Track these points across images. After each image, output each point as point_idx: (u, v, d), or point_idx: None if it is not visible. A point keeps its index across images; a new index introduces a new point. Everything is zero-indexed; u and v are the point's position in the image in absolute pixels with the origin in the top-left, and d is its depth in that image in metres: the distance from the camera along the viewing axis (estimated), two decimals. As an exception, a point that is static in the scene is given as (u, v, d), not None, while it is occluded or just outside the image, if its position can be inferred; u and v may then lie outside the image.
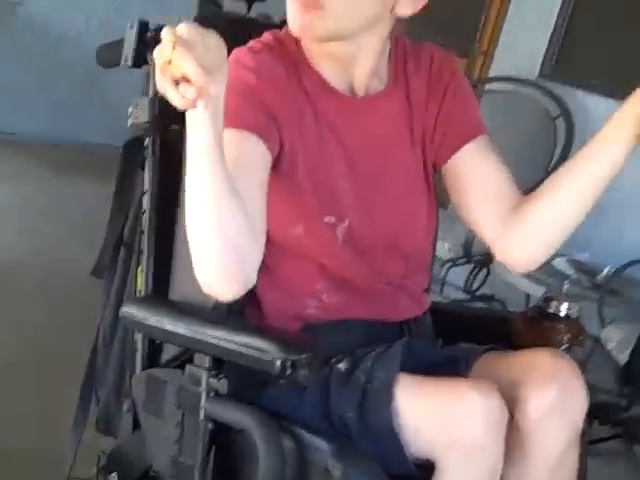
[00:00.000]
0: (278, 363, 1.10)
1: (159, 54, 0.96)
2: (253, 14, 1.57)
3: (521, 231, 1.27)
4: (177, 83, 0.96)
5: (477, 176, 1.30)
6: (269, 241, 1.24)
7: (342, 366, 1.23)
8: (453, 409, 1.13)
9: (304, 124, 1.24)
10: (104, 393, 1.45)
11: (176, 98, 0.96)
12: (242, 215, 1.09)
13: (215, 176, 1.06)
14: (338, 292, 1.31)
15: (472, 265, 2.81)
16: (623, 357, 2.34)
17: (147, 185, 1.45)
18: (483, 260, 2.66)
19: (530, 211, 1.25)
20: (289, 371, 1.10)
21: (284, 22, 1.27)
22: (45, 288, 2.93)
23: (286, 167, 1.23)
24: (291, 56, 1.26)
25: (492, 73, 3.76)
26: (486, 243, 1.33)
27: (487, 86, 3.58)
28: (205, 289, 1.12)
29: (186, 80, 0.95)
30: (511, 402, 1.17)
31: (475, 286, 2.79)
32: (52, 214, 3.68)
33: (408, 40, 1.36)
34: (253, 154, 1.16)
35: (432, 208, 1.37)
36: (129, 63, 1.46)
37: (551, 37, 3.61)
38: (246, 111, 1.18)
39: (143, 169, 1.47)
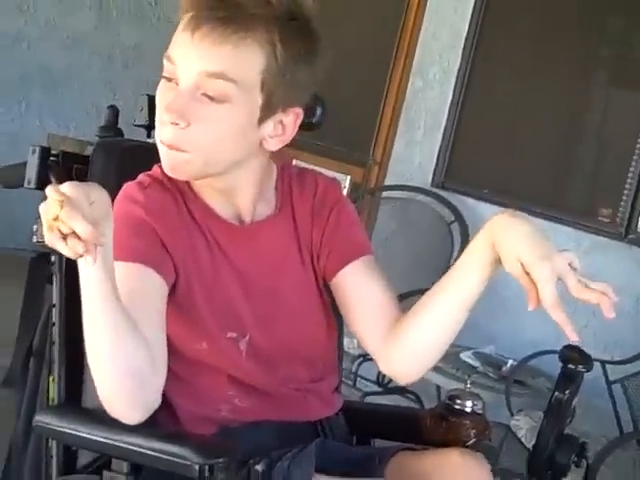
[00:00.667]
0: (197, 467, 1.12)
1: (45, 212, 1.00)
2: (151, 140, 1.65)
3: (397, 350, 1.31)
4: (64, 237, 1.00)
5: (359, 293, 1.35)
6: (177, 354, 1.28)
7: (259, 467, 1.24)
8: None
9: (197, 252, 1.29)
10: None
11: (66, 251, 1.01)
12: (139, 346, 1.13)
13: (109, 310, 1.10)
14: (249, 397, 1.34)
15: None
16: (533, 444, 2.42)
17: (55, 299, 1.47)
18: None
19: (404, 334, 1.30)
20: (207, 475, 1.11)
21: None
22: None
23: (183, 293, 1.27)
24: (179, 188, 1.31)
25: (387, 182, 3.94)
26: (371, 356, 1.38)
27: (384, 194, 3.75)
28: (109, 412, 1.16)
29: (75, 235, 0.99)
30: None
31: (387, 379, 2.84)
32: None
33: (295, 167, 1.44)
34: (148, 285, 1.21)
35: (330, 318, 1.42)
36: (32, 185, 1.52)
37: (439, 151, 3.83)
38: (138, 244, 1.23)
39: (50, 283, 1.49)
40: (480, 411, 1.43)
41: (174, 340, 1.28)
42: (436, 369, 2.91)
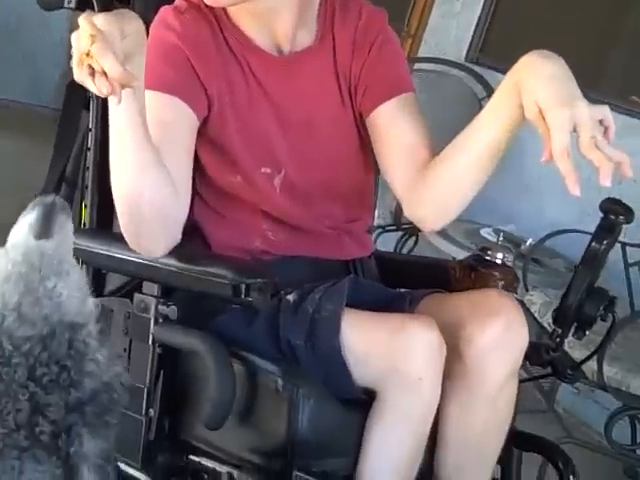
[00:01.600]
0: (231, 286, 1.13)
1: (76, 45, 0.95)
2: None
3: (424, 192, 1.29)
4: (93, 74, 0.95)
5: (391, 132, 1.31)
6: (211, 185, 1.27)
7: (291, 297, 1.26)
8: (394, 340, 1.17)
9: (232, 83, 1.27)
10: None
11: (93, 88, 0.97)
12: (165, 183, 1.13)
13: (138, 147, 1.09)
14: (283, 232, 1.34)
15: (401, 232, 2.88)
16: (546, 319, 2.45)
17: (91, 123, 1.45)
18: (412, 228, 2.73)
19: (431, 175, 1.28)
20: (242, 294, 1.13)
21: None
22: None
23: (216, 125, 1.26)
24: (216, 15, 1.27)
25: (420, 54, 3.84)
26: (398, 199, 1.36)
27: (416, 65, 3.66)
28: (132, 247, 1.17)
29: (103, 73, 0.94)
30: (456, 337, 1.22)
31: (404, 252, 2.86)
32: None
33: None
34: (177, 117, 1.20)
35: (367, 156, 1.39)
36: (72, 5, 1.46)
37: (477, 24, 3.71)
38: (171, 73, 1.20)
39: (87, 109, 1.48)
40: (510, 263, 1.43)
41: (208, 171, 1.28)
42: (454, 242, 2.93)
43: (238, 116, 1.28)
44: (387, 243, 2.83)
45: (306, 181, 1.33)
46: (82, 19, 0.96)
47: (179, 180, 1.16)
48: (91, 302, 0.81)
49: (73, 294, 0.78)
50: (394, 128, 1.32)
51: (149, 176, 1.11)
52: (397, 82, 1.34)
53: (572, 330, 1.34)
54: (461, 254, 2.83)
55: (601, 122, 1.06)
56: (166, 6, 1.26)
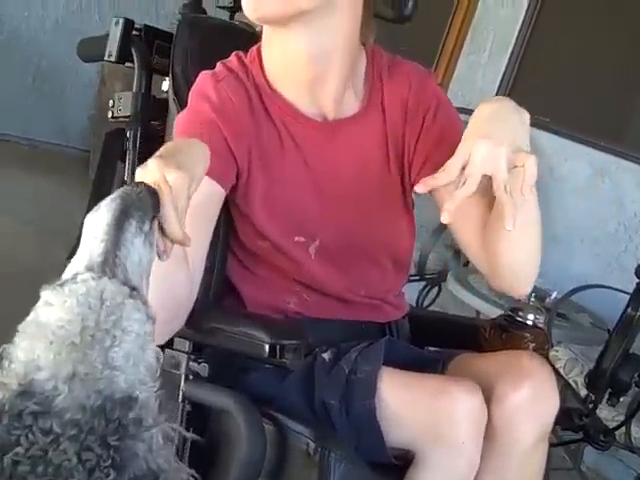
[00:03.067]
0: (267, 347, 1.13)
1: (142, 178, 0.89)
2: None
3: (498, 269, 1.24)
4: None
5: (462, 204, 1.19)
6: (242, 247, 1.26)
7: (326, 356, 1.25)
8: (437, 404, 1.16)
9: (267, 150, 1.24)
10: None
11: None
12: (185, 275, 1.09)
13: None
14: (317, 295, 1.33)
15: (424, 283, 2.87)
16: (571, 376, 2.42)
17: (127, 176, 1.47)
18: (435, 278, 2.72)
19: (493, 253, 1.22)
20: (277, 355, 1.12)
21: None
22: (1, 282, 2.88)
23: (243, 194, 1.24)
24: (255, 82, 1.25)
25: (447, 105, 3.86)
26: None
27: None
28: None
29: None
30: (486, 398, 1.20)
31: (426, 303, 2.84)
32: (2, 209, 3.63)
33: (385, 55, 1.31)
34: (201, 194, 1.11)
35: (410, 223, 1.37)
36: (113, 58, 1.49)
37: (503, 75, 3.74)
38: None
39: (122, 161, 1.49)
40: (541, 325, 1.42)
41: (238, 233, 1.27)
42: (478, 294, 2.90)
43: (269, 185, 1.24)
44: (410, 293, 2.83)
45: (344, 249, 1.30)
46: (154, 165, 0.90)
47: (193, 254, 1.10)
48: (153, 361, 0.71)
49: (133, 352, 0.69)
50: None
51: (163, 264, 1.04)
52: (454, 146, 1.23)
53: (606, 396, 1.32)
54: (484, 306, 2.82)
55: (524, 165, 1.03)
56: (205, 72, 1.25)
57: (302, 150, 1.26)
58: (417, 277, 2.87)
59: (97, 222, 0.76)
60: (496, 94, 3.74)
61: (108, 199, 0.78)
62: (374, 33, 1.29)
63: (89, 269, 0.73)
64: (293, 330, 1.19)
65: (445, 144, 1.20)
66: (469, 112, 3.92)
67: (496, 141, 1.02)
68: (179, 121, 1.23)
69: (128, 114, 1.50)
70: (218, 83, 1.23)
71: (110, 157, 1.50)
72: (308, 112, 1.26)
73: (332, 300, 1.33)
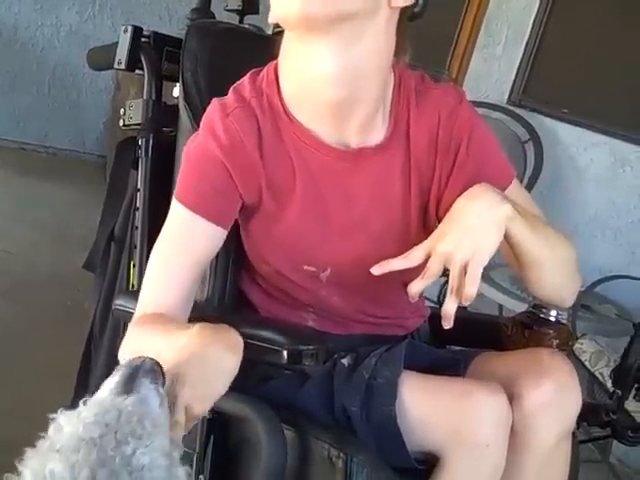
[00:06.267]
0: (286, 353, 1.11)
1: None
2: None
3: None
4: None
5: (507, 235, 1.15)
6: (251, 266, 1.25)
7: (345, 361, 1.24)
8: (461, 406, 1.14)
9: (279, 181, 1.18)
10: (94, 382, 1.45)
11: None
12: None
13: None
14: (333, 315, 1.31)
15: (445, 278, 2.84)
16: (597, 368, 2.39)
17: (140, 183, 1.47)
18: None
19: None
20: (296, 361, 1.11)
21: (277, 34, 1.25)
22: (20, 287, 2.92)
23: (252, 221, 1.21)
24: (271, 105, 1.17)
25: (462, 98, 3.83)
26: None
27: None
28: None
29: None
30: (507, 398, 1.18)
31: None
32: (21, 216, 3.66)
33: (413, 76, 1.22)
34: (201, 236, 1.15)
35: None
36: (123, 66, 1.49)
37: (518, 66, 3.71)
38: (202, 188, 1.14)
39: (135, 168, 1.49)
40: (564, 321, 1.40)
41: (248, 255, 1.26)
42: (499, 288, 2.88)
43: (277, 216, 1.19)
44: (430, 288, 2.80)
45: (357, 277, 1.23)
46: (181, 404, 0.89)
47: (178, 301, 1.14)
48: (181, 472, 0.70)
49: (157, 462, 0.67)
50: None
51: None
52: (497, 176, 1.21)
53: (633, 392, 1.30)
54: (506, 300, 2.79)
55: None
56: (216, 101, 1.18)
57: (317, 180, 1.19)
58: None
59: (106, 386, 0.76)
60: (512, 86, 3.72)
61: (115, 370, 0.79)
62: (407, 54, 1.19)
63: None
64: (311, 335, 1.18)
65: (482, 175, 1.17)
66: (486, 105, 3.90)
67: (457, 248, 1.09)
68: (188, 155, 1.17)
69: (139, 121, 1.50)
70: (227, 117, 1.15)
71: (122, 165, 1.50)
72: (328, 139, 1.17)
73: (349, 320, 1.32)
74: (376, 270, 1.13)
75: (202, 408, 0.93)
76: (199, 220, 1.14)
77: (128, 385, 0.74)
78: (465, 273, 1.09)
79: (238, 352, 0.97)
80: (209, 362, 0.94)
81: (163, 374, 0.82)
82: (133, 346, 1.08)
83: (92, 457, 0.64)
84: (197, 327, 0.97)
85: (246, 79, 1.19)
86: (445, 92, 1.22)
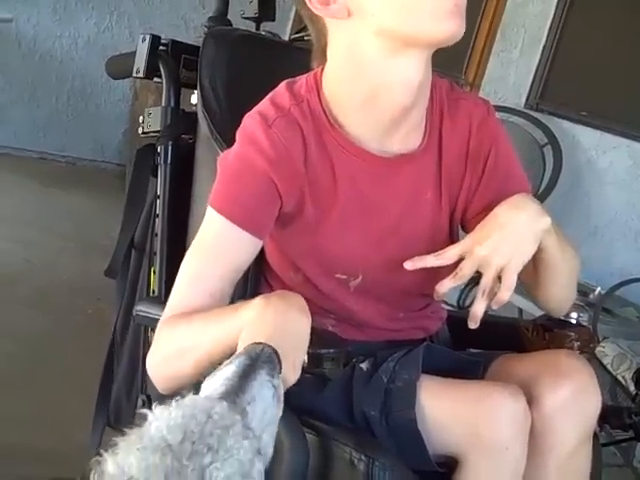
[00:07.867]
0: (306, 357, 1.10)
1: None
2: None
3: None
4: None
5: None
6: (275, 276, 1.26)
7: (364, 366, 1.24)
8: (480, 409, 1.14)
9: (320, 187, 1.19)
10: (115, 389, 1.46)
11: None
12: None
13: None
14: (354, 322, 1.30)
15: (464, 282, 2.83)
16: (619, 371, 2.38)
17: (159, 190, 1.47)
18: (476, 277, 2.68)
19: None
20: (316, 365, 1.11)
21: (293, 40, 1.25)
22: (41, 296, 2.94)
23: (288, 228, 1.21)
24: (313, 112, 1.18)
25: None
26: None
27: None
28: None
29: None
30: (527, 401, 1.17)
31: (467, 302, 2.81)
32: (43, 226, 3.69)
33: (443, 84, 1.25)
34: (237, 247, 1.15)
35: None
36: (141, 74, 1.50)
37: (536, 70, 3.70)
38: (243, 200, 1.14)
39: (154, 175, 1.49)
40: (585, 323, 1.39)
41: (270, 263, 1.26)
42: (521, 293, 2.86)
43: (317, 222, 1.20)
44: (450, 292, 2.80)
45: (386, 285, 1.26)
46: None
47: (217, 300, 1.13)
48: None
49: (233, 478, 0.63)
50: None
51: None
52: (521, 185, 1.26)
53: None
54: (527, 304, 2.78)
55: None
56: (253, 115, 1.17)
57: (357, 186, 1.20)
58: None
59: (221, 374, 0.75)
60: (530, 89, 3.70)
61: (233, 356, 0.78)
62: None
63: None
64: (331, 338, 1.18)
65: (509, 185, 1.24)
66: (504, 109, 3.90)
67: (495, 253, 1.13)
68: (227, 165, 1.17)
69: (158, 129, 1.50)
70: (270, 129, 1.15)
71: (142, 172, 1.50)
72: (370, 145, 1.19)
73: (368, 326, 1.32)
74: (409, 265, 1.15)
75: (295, 377, 0.97)
76: (237, 231, 1.13)
77: (243, 379, 0.74)
78: (499, 278, 1.11)
79: (309, 313, 1.01)
80: (291, 329, 0.98)
81: (280, 362, 0.81)
82: (181, 341, 1.09)
83: (167, 462, 0.62)
84: (260, 299, 1.00)
85: (283, 88, 1.20)
86: (475, 103, 1.26)
